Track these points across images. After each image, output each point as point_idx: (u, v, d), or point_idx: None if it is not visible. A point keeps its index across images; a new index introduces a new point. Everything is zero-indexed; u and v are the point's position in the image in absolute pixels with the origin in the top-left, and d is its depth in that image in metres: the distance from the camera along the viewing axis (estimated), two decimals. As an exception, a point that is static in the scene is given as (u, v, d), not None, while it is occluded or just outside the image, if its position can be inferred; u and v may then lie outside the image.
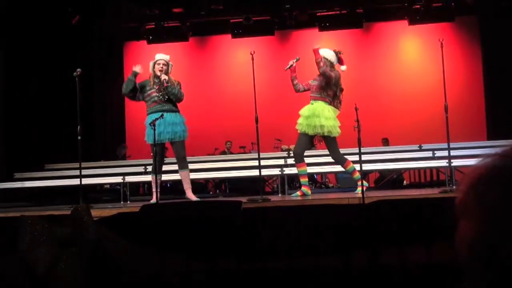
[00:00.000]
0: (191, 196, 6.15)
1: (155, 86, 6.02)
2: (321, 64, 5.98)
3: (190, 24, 11.94)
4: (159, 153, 6.07)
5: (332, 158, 6.17)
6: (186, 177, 6.20)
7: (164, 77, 5.91)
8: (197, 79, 12.24)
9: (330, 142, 6.06)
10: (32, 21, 10.10)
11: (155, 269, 2.99)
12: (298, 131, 6.18)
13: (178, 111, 6.14)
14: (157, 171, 6.06)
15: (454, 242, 0.94)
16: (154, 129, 5.59)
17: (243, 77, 10.52)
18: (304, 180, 6.23)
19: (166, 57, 6.12)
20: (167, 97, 6.00)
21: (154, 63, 6.08)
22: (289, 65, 6.14)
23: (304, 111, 6.13)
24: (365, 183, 5.88)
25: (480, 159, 0.94)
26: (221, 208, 3.64)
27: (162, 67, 6.00)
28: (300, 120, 6.12)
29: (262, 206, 4.88)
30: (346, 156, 6.24)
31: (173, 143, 6.06)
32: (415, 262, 2.91)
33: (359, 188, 5.75)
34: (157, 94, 6.00)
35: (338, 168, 8.01)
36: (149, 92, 6.08)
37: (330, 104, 6.06)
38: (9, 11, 9.70)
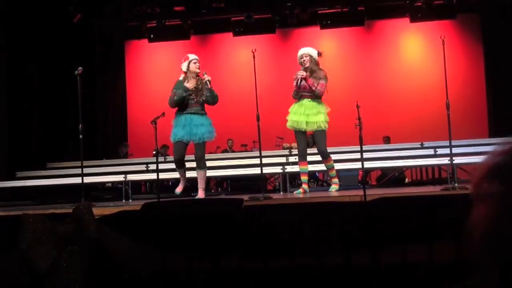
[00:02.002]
0: (202, 195, 6.27)
1: (193, 85, 6.14)
2: (316, 86, 6.18)
3: (192, 23, 11.94)
4: (181, 150, 6.24)
5: (320, 150, 6.34)
6: (201, 177, 6.33)
7: (207, 77, 6.11)
8: (198, 78, 12.26)
9: (322, 135, 6.27)
10: (34, 20, 10.11)
11: (157, 268, 2.99)
12: (293, 129, 6.39)
13: (206, 114, 6.31)
14: (179, 166, 6.33)
15: (456, 240, 0.95)
16: (155, 127, 5.69)
17: (245, 75, 10.52)
18: (305, 178, 6.50)
19: (197, 57, 6.34)
20: (202, 99, 6.17)
21: (189, 62, 6.23)
22: (300, 80, 6.26)
23: (301, 108, 6.26)
24: (337, 185, 6.35)
25: (497, 147, 0.95)
26: (222, 206, 3.63)
27: (198, 66, 6.21)
28: (297, 118, 6.26)
29: (263, 204, 4.89)
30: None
31: (195, 144, 6.22)
32: (417, 260, 2.91)
33: (333, 186, 6.29)
34: (190, 96, 6.15)
35: (340, 166, 8.02)
36: (187, 92, 6.20)
37: (320, 100, 6.33)
38: (10, 11, 9.70)
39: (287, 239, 3.10)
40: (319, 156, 6.54)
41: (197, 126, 6.14)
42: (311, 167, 7.75)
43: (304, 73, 6.22)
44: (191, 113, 6.18)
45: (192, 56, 6.31)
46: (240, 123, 11.43)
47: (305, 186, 6.38)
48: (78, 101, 6.13)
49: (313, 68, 6.24)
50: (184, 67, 6.27)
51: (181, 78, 6.27)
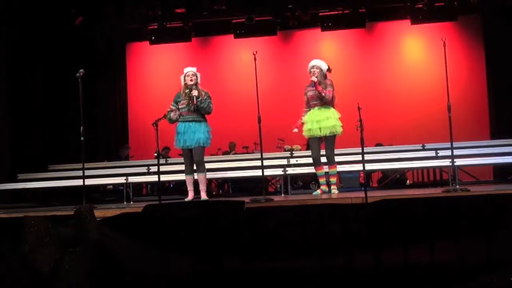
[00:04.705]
0: (204, 197, 6.58)
1: (186, 98, 6.54)
2: (324, 92, 6.49)
3: (193, 25, 11.95)
4: (186, 156, 6.63)
5: (327, 154, 6.62)
6: (202, 180, 6.65)
7: (194, 93, 6.46)
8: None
9: (332, 140, 6.58)
10: (36, 23, 10.12)
11: (159, 269, 2.99)
12: (308, 137, 6.69)
13: (204, 121, 6.64)
14: (188, 172, 6.66)
15: (457, 242, 0.95)
16: (156, 130, 5.74)
17: (246, 77, 10.52)
18: (323, 180, 6.77)
19: (193, 69, 6.68)
20: (194, 108, 6.51)
21: (184, 76, 6.64)
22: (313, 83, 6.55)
23: (312, 116, 6.57)
24: (336, 190, 6.65)
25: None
26: (223, 208, 3.63)
27: (192, 78, 6.56)
28: (310, 126, 6.55)
29: (265, 206, 4.89)
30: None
31: (194, 148, 6.55)
32: (419, 262, 2.91)
33: (333, 190, 6.58)
34: (185, 106, 6.54)
35: (342, 168, 8.02)
36: (181, 102, 6.59)
37: (330, 107, 6.62)
38: (12, 13, 9.71)
39: (289, 241, 3.10)
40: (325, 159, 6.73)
41: (193, 132, 6.51)
42: (312, 169, 7.77)
43: (316, 79, 6.48)
44: (189, 121, 6.55)
45: (186, 70, 6.69)
46: (241, 125, 11.43)
47: (323, 187, 6.71)
48: (79, 103, 6.15)
49: (320, 81, 6.52)
50: (182, 81, 6.69)
51: (180, 91, 6.66)
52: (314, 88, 6.53)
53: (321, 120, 6.51)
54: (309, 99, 6.62)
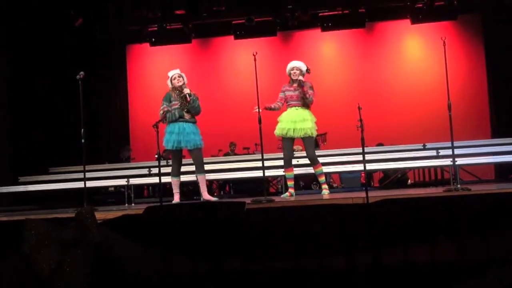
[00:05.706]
0: (206, 197, 6.59)
1: (178, 98, 6.48)
2: (309, 93, 6.46)
3: (193, 26, 11.96)
4: (177, 158, 6.56)
5: (310, 156, 6.56)
6: (202, 181, 6.61)
7: (186, 91, 6.41)
8: (200, 81, 12.23)
9: (311, 141, 6.53)
10: (36, 24, 10.13)
11: (160, 271, 2.99)
12: (281, 136, 6.60)
13: (196, 122, 6.58)
14: (176, 174, 6.58)
15: (458, 241, 0.95)
16: (157, 131, 5.73)
17: (246, 78, 10.52)
18: (291, 183, 6.71)
19: (177, 71, 6.63)
20: (186, 108, 6.46)
21: (171, 79, 6.59)
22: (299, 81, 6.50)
23: (289, 116, 6.50)
24: (328, 190, 6.63)
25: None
26: (225, 209, 3.64)
27: (178, 79, 6.54)
28: (285, 125, 6.48)
29: (266, 206, 4.89)
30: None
31: (191, 150, 6.50)
32: (419, 261, 2.90)
33: (324, 191, 6.54)
34: (178, 107, 6.45)
35: (342, 168, 8.02)
36: (172, 103, 6.50)
37: (308, 109, 6.55)
38: (12, 15, 9.72)
39: (289, 241, 3.10)
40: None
41: (189, 133, 6.43)
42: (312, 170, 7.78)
43: (302, 78, 6.45)
44: (182, 121, 6.47)
45: (171, 73, 6.63)
46: (242, 126, 11.42)
47: (291, 190, 6.62)
48: (80, 105, 6.16)
49: (301, 81, 6.47)
50: (169, 85, 6.63)
51: (170, 92, 6.60)
52: (295, 88, 6.49)
53: (297, 122, 6.43)
54: (288, 99, 6.54)
